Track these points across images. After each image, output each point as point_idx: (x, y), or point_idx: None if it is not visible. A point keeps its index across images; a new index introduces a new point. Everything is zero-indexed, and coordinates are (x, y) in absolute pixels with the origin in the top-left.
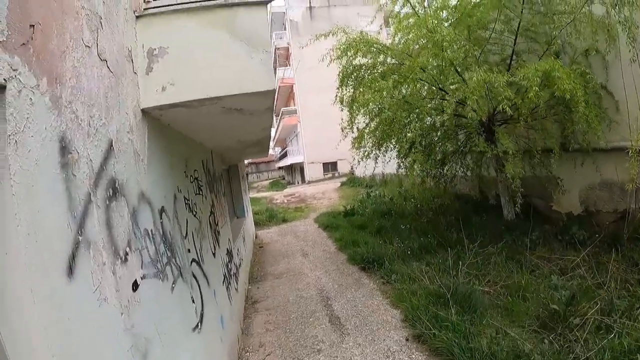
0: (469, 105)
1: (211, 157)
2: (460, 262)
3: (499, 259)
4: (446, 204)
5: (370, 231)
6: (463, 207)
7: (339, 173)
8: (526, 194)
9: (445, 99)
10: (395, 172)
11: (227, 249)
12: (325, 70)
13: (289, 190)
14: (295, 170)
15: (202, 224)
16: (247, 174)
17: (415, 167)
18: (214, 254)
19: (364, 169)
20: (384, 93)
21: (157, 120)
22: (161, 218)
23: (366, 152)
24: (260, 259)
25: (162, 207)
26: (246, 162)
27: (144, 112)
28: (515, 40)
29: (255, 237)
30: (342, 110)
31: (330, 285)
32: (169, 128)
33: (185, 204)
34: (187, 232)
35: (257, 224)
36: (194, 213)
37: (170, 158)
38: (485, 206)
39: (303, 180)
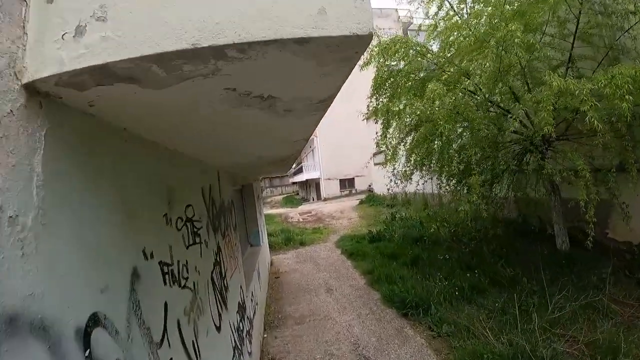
0: (540, 117)
1: (217, 181)
2: (520, 308)
3: (569, 303)
4: (488, 230)
5: (403, 262)
6: (504, 233)
7: (356, 190)
8: (573, 218)
9: (505, 109)
10: (420, 191)
11: (239, 302)
12: (352, 77)
13: (304, 207)
14: (311, 186)
15: (200, 293)
16: (262, 191)
17: (475, 190)
18: (218, 327)
19: (397, 185)
20: (436, 101)
21: (81, 116)
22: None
23: (406, 172)
24: (277, 295)
25: (92, 321)
26: (260, 176)
27: (37, 91)
28: (572, 44)
29: (271, 264)
30: (375, 122)
31: (366, 337)
32: (123, 134)
33: (164, 274)
34: (164, 331)
35: (272, 247)
36: (183, 283)
37: (128, 197)
38: (527, 232)
39: (319, 197)
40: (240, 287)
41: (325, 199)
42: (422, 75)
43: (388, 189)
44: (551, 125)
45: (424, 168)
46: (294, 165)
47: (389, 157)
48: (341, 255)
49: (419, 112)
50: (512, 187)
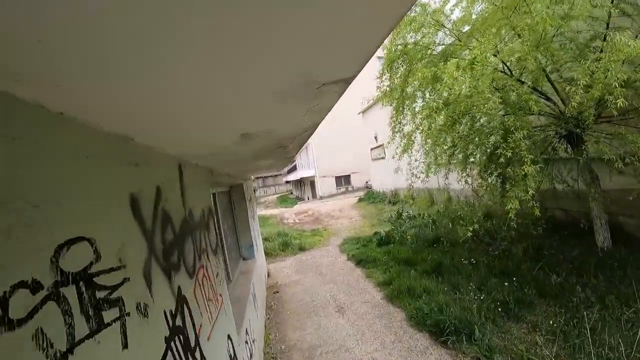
0: (596, 89)
1: (179, 181)
2: (583, 325)
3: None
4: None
5: (423, 270)
6: (531, 230)
7: (352, 187)
8: (611, 211)
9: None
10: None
11: (230, 355)
12: None
13: (300, 207)
14: (305, 185)
15: None
16: (254, 191)
17: (530, 182)
18: None
19: (416, 180)
20: (478, 67)
21: None
22: None
23: (435, 163)
24: (278, 317)
25: None
26: (252, 176)
27: None
28: (609, 13)
29: (267, 276)
30: (389, 105)
31: None
32: None
33: None
34: None
35: (268, 254)
36: None
37: None
38: (557, 227)
39: (314, 196)
40: (229, 337)
41: (321, 198)
42: (440, 49)
43: (411, 184)
44: (619, 100)
45: (453, 158)
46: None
47: (404, 147)
48: (348, 261)
49: (450, 89)
50: (550, 178)
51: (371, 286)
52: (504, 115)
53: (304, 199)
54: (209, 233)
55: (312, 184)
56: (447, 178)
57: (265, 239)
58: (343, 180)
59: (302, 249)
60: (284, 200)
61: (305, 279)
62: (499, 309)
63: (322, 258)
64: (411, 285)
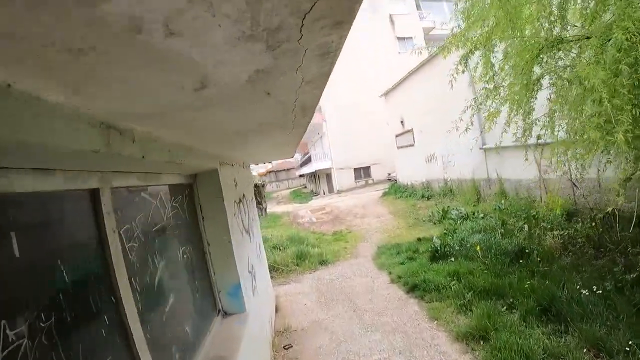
0: None
1: None
2: None
3: None
4: None
5: (527, 310)
6: None
7: (372, 180)
8: None
9: None
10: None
11: None
12: (356, 54)
13: (316, 202)
14: (321, 178)
15: None
16: (262, 187)
17: None
18: None
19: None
20: None
21: None
22: None
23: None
24: None
25: None
26: (263, 169)
27: None
28: None
29: (275, 312)
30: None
31: None
32: None
33: None
34: None
35: (277, 270)
36: None
37: None
38: None
39: (330, 190)
40: None
41: (338, 192)
42: None
43: (389, 173)
44: None
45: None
46: (300, 157)
47: (517, 103)
48: (392, 285)
49: None
50: None
51: (445, 339)
52: None
53: (319, 194)
54: None
55: (328, 176)
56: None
57: (273, 247)
58: (362, 173)
59: (323, 261)
60: (298, 195)
61: (334, 320)
62: None
63: (354, 278)
64: (523, 345)
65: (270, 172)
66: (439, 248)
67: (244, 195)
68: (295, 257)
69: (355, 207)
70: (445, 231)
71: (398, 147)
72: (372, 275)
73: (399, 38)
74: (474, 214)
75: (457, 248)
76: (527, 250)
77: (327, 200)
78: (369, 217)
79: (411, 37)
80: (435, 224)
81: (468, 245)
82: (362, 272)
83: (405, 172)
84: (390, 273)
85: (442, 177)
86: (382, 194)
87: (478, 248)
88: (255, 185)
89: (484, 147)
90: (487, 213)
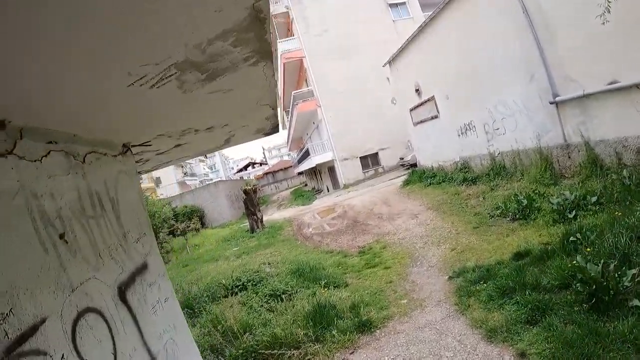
0: None
1: None
2: None
3: None
4: None
5: None
6: None
7: (383, 168)
8: None
9: None
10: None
11: None
12: (344, 29)
13: (321, 202)
14: (322, 173)
15: None
16: (254, 192)
17: None
18: None
19: None
20: None
21: None
22: None
23: None
24: None
25: None
26: (261, 172)
27: None
28: None
29: None
30: None
31: None
32: None
33: None
34: None
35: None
36: None
37: None
38: None
39: (335, 186)
40: None
41: (345, 186)
42: None
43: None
44: None
45: None
46: (295, 154)
47: None
48: None
49: None
50: None
51: None
52: None
53: (322, 191)
54: None
55: (332, 170)
56: None
57: (270, 296)
58: (370, 161)
59: (364, 326)
60: (300, 195)
61: None
62: None
63: None
64: None
65: (267, 173)
66: (598, 282)
67: None
68: (311, 319)
69: (376, 205)
70: (565, 236)
71: (415, 123)
72: None
73: (390, 5)
74: (584, 198)
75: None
76: None
77: (335, 198)
78: (402, 218)
79: (404, 2)
80: (516, 221)
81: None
82: (456, 353)
83: (427, 153)
84: (523, 357)
85: (487, 151)
86: (403, 183)
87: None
88: (245, 192)
89: (556, 99)
90: (606, 194)
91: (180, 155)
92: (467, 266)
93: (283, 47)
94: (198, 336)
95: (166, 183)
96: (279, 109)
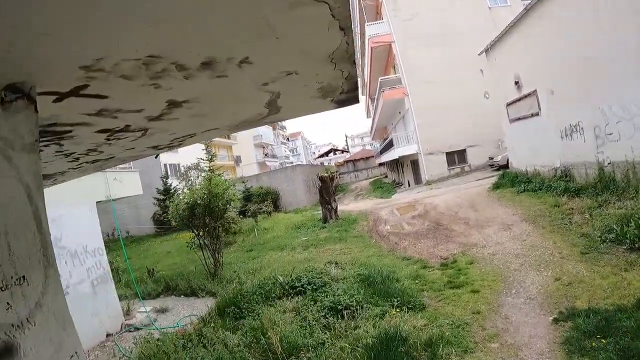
0: None
1: None
2: None
3: None
4: None
5: None
6: None
7: (469, 166)
8: None
9: None
10: None
11: None
12: (440, 10)
13: (400, 196)
14: (404, 166)
15: None
16: (331, 180)
17: None
18: None
19: None
20: None
21: None
22: None
23: None
24: None
25: None
26: (342, 160)
27: None
28: None
29: None
30: None
31: None
32: None
33: None
34: None
35: None
36: None
37: None
38: None
39: (417, 181)
40: None
41: (428, 182)
42: None
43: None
44: None
45: None
46: (378, 144)
47: None
48: None
49: None
50: None
51: None
52: None
53: (402, 184)
54: None
55: (415, 164)
56: None
57: (331, 309)
58: (456, 157)
59: None
60: (379, 187)
61: None
62: None
63: None
64: None
65: (348, 161)
66: None
67: None
68: (374, 354)
69: (460, 207)
70: None
71: (511, 120)
72: None
73: None
74: None
75: None
76: None
77: (416, 194)
78: (492, 227)
79: None
80: (635, 251)
81: None
82: None
83: (521, 154)
84: None
85: (594, 158)
86: (493, 186)
87: None
88: (322, 179)
89: None
90: None
91: (183, 133)
92: (578, 307)
93: (371, 31)
94: (236, 346)
95: (246, 162)
96: (359, 84)
